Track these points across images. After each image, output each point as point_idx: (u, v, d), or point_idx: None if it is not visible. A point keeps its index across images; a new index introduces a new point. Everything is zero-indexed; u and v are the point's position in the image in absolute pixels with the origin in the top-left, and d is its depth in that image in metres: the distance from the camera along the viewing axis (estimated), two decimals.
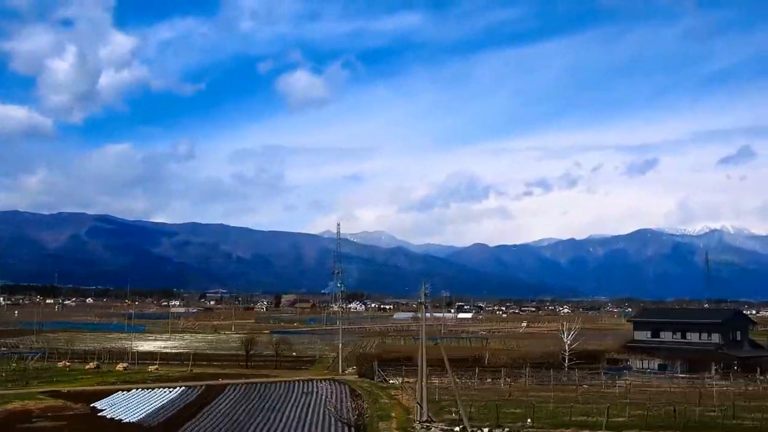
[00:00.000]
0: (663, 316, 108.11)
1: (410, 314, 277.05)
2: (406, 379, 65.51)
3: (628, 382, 73.07)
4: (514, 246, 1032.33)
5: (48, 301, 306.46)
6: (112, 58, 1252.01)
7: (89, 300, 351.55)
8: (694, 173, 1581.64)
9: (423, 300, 48.25)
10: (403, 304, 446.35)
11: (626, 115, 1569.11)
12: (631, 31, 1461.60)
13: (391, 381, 68.23)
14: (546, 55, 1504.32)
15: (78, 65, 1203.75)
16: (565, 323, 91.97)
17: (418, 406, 44.27)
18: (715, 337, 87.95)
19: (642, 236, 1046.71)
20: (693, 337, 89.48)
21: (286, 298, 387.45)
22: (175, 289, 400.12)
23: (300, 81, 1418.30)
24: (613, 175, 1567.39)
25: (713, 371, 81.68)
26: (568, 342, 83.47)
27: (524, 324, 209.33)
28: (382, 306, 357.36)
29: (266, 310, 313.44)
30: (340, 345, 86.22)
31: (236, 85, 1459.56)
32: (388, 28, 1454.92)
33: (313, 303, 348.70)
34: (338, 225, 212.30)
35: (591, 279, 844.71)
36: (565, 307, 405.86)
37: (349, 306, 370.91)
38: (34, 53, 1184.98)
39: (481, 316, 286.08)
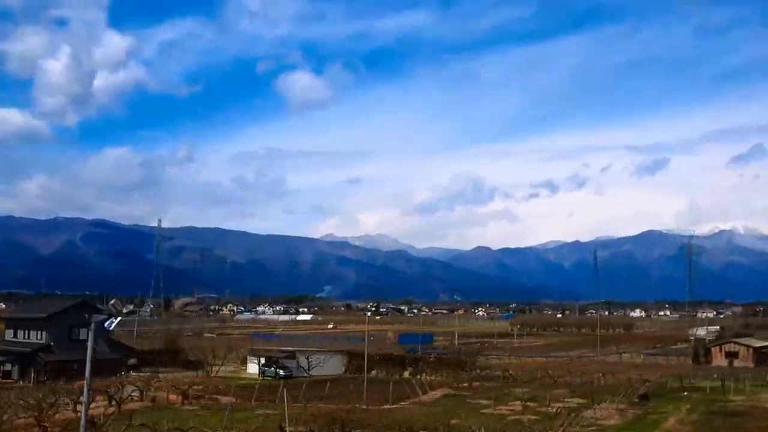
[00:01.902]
0: (29, 312, 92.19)
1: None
2: None
3: None
4: (518, 249, 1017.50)
5: None
6: (110, 60, 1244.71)
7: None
8: (704, 173, 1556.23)
9: None
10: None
11: (636, 114, 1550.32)
12: (641, 28, 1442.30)
13: None
14: (554, 54, 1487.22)
15: (75, 67, 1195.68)
16: None
17: None
18: (44, 336, 73.98)
19: (649, 238, 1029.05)
20: (33, 335, 75.46)
21: (181, 301, 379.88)
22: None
23: (302, 83, 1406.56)
24: (622, 175, 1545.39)
25: (32, 378, 68.38)
26: None
27: (330, 326, 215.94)
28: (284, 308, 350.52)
29: (150, 314, 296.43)
30: None
31: (237, 88, 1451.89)
32: (392, 28, 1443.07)
33: (204, 306, 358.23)
34: (159, 221, 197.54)
35: (595, 282, 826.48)
36: (480, 309, 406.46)
37: (256, 309, 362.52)
38: (29, 54, 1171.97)
39: (320, 318, 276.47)
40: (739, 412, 50.38)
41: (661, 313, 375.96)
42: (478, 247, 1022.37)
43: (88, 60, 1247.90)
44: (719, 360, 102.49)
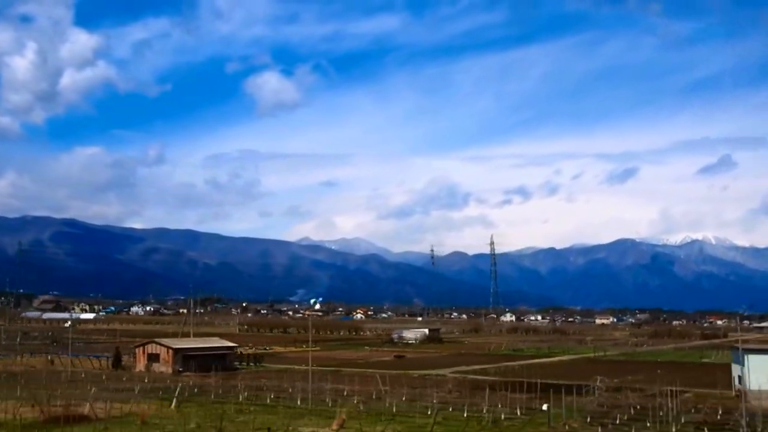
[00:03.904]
0: None
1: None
2: None
3: None
4: (494, 255, 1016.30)
5: None
6: (79, 58, 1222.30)
7: None
8: (675, 183, 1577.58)
9: None
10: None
11: (607, 123, 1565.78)
12: (612, 38, 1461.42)
13: None
14: (527, 61, 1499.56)
15: (45, 65, 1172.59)
16: None
17: None
18: None
19: (622, 246, 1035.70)
20: None
21: (40, 299, 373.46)
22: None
23: (275, 85, 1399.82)
24: (593, 183, 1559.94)
25: None
26: None
27: (67, 324, 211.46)
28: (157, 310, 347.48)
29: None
30: None
31: (211, 89, 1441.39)
32: (366, 31, 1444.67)
33: (56, 303, 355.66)
34: None
35: (570, 289, 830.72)
36: (359, 312, 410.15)
37: (132, 309, 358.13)
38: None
39: (102, 317, 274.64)
40: None
41: (533, 318, 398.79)
42: (455, 252, 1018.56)
43: (55, 57, 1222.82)
44: (142, 363, 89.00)
